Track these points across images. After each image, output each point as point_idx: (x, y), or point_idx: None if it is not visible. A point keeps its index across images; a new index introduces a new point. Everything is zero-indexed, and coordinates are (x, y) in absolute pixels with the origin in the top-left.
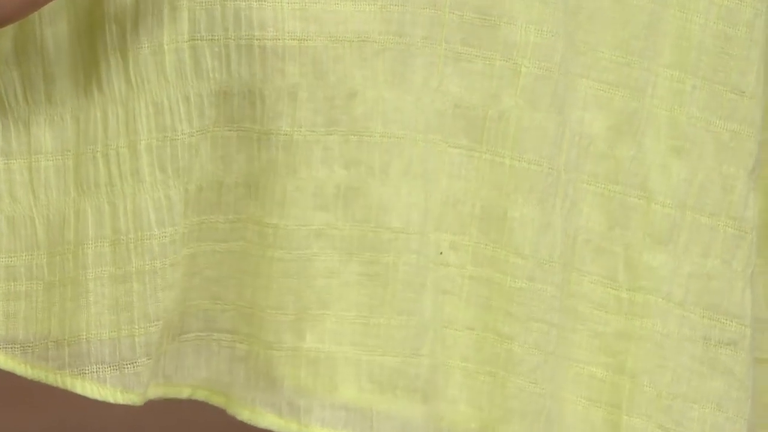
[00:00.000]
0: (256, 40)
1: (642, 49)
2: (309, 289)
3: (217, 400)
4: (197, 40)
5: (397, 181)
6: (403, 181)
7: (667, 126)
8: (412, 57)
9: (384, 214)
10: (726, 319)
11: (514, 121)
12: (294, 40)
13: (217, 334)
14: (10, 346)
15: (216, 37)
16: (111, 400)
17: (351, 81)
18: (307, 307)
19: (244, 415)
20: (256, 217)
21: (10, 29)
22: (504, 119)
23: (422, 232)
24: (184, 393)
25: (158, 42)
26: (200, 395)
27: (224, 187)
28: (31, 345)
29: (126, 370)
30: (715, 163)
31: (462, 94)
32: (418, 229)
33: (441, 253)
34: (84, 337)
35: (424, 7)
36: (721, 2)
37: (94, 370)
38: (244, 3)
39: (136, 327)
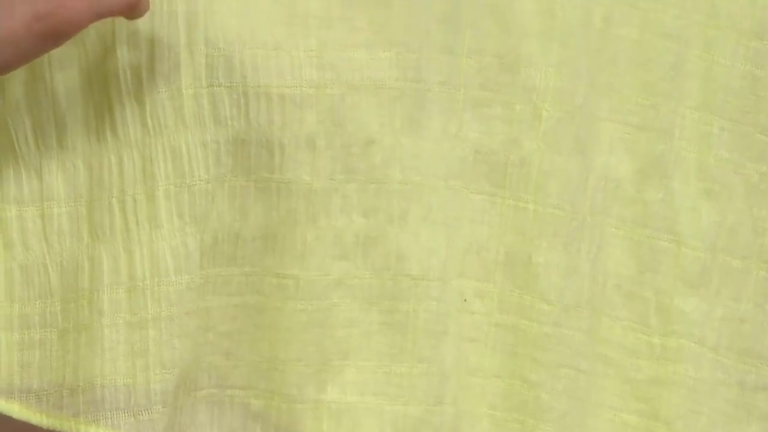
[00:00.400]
0: (275, 87)
1: (667, 91)
2: (329, 340)
3: None
4: (216, 86)
5: (416, 228)
6: (422, 228)
7: (695, 168)
8: (429, 103)
9: (403, 261)
10: (761, 364)
11: (536, 166)
12: (311, 88)
13: (230, 390)
14: (25, 395)
15: (234, 84)
16: None
17: (368, 128)
18: (328, 358)
19: None
20: (274, 269)
21: (20, 75)
22: (526, 164)
23: (443, 278)
24: None
25: (176, 87)
26: None
27: (241, 239)
28: (46, 393)
29: (141, 417)
30: (745, 205)
31: (482, 140)
32: (438, 275)
33: (465, 300)
34: (99, 383)
35: (441, 52)
36: (748, 43)
37: (109, 416)
38: (261, 51)
39: (152, 374)
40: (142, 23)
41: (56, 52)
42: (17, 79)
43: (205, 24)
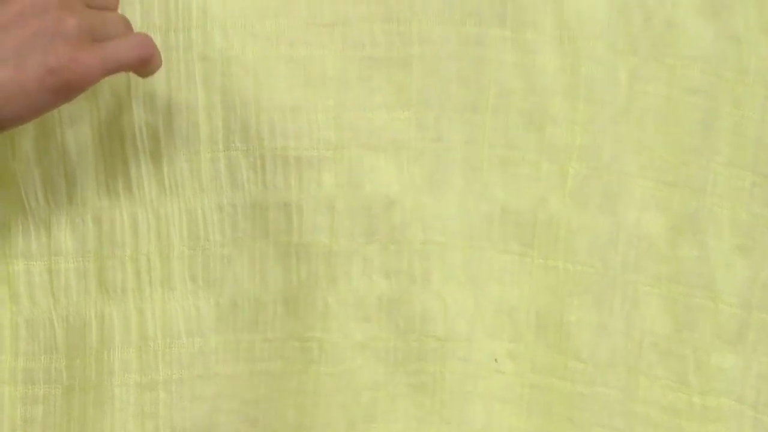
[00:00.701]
0: (292, 150)
1: (697, 147)
2: (355, 404)
3: None
4: (233, 150)
5: (440, 288)
6: (446, 288)
7: (729, 224)
8: (452, 162)
9: (428, 322)
10: None
11: (564, 224)
12: (329, 149)
13: None
14: None
15: (251, 148)
16: None
17: (388, 189)
18: (355, 422)
19: None
20: (296, 333)
21: (31, 129)
22: (554, 222)
23: (470, 339)
24: None
25: (194, 150)
26: None
27: (261, 304)
28: None
29: None
30: None
31: (509, 199)
32: (465, 336)
33: (496, 360)
34: None
35: (464, 111)
36: None
37: None
38: (278, 113)
39: None
40: (158, 83)
41: (67, 107)
42: (28, 132)
43: (222, 86)
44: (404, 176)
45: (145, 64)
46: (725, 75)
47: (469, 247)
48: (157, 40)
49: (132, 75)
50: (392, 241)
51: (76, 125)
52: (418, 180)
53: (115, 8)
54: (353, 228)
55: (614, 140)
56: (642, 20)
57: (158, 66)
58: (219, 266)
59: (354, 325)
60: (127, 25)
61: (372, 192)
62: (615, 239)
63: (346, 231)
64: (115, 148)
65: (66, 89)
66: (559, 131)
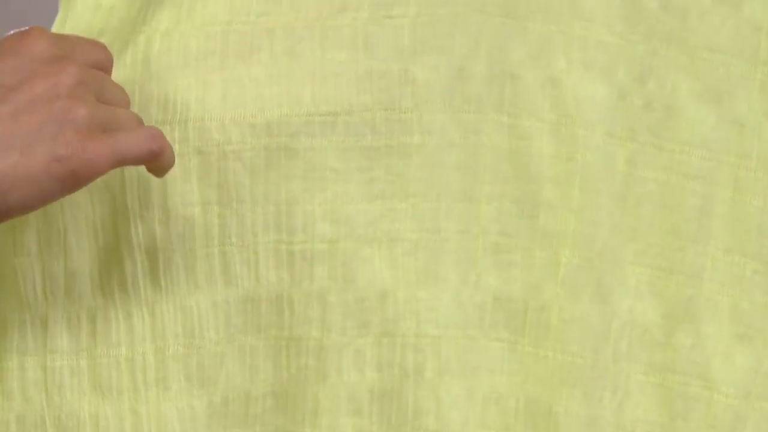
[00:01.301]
0: (284, 244)
1: (694, 233)
2: None
3: None
4: (227, 245)
5: (433, 381)
6: (439, 381)
7: (728, 313)
8: (447, 253)
9: (421, 416)
10: None
11: (556, 313)
12: (324, 243)
13: None
14: None
15: (246, 243)
16: None
17: (381, 282)
18: None
19: None
20: (286, 428)
21: (34, 221)
22: (546, 311)
23: (462, 431)
24: None
25: (190, 246)
26: None
27: (251, 399)
28: None
29: None
30: None
31: (501, 287)
32: (458, 429)
33: None
34: None
35: (460, 200)
36: None
37: None
38: (273, 207)
39: None
40: (153, 178)
41: (70, 202)
42: (31, 227)
43: (218, 182)
44: (398, 269)
45: (156, 157)
46: (726, 160)
47: (462, 338)
48: None
49: (127, 170)
50: (385, 334)
51: (78, 220)
52: (412, 272)
53: (126, 106)
54: (345, 321)
55: (609, 228)
56: (641, 105)
57: (171, 163)
58: (213, 364)
59: (345, 420)
60: (139, 121)
61: (365, 285)
62: (607, 328)
63: (338, 324)
64: (110, 244)
65: (73, 178)
66: (553, 219)
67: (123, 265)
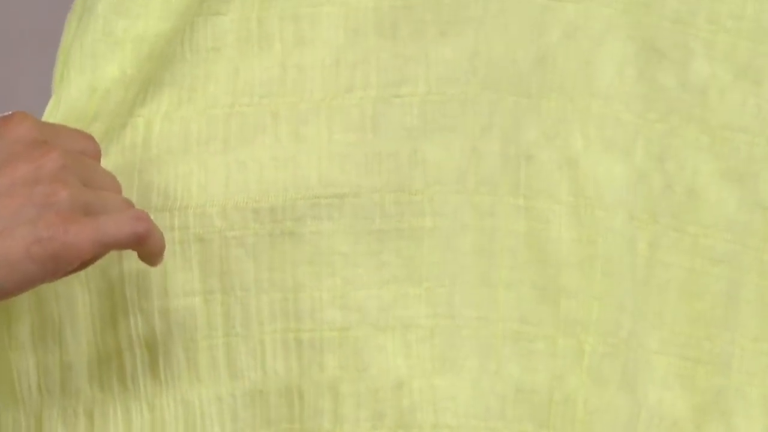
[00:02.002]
0: (292, 333)
1: (722, 320)
2: None
3: None
4: (232, 336)
5: None
6: None
7: (759, 403)
8: (464, 340)
9: None
10: None
11: (581, 404)
12: (334, 330)
13: None
14: None
15: (251, 333)
16: None
17: (396, 371)
18: None
19: None
20: None
21: (28, 317)
22: (571, 402)
23: None
24: None
25: (191, 337)
26: None
27: None
28: None
29: None
30: None
31: (524, 377)
32: None
33: None
34: None
35: (476, 285)
36: None
37: None
38: (279, 294)
39: None
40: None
41: (64, 293)
42: (25, 320)
43: (220, 270)
44: (413, 357)
45: (142, 241)
46: (751, 243)
47: (484, 429)
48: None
49: (125, 259)
50: (401, 426)
51: (74, 312)
52: (428, 360)
53: (116, 191)
54: (359, 412)
55: (633, 314)
56: (662, 187)
57: (159, 247)
58: None
59: None
60: (128, 205)
61: (378, 374)
62: (635, 420)
63: (351, 416)
64: (108, 336)
65: (54, 261)
66: (575, 305)
67: (121, 358)
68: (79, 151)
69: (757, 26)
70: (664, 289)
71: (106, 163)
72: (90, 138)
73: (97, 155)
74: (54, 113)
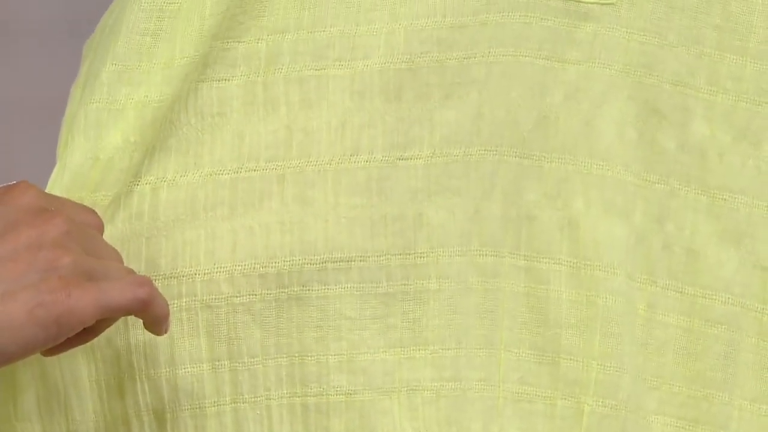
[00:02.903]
0: (298, 397)
1: (721, 381)
2: None
3: None
4: (239, 402)
5: None
6: None
7: None
8: (470, 402)
9: None
10: None
11: None
12: (340, 394)
13: None
14: None
15: (258, 399)
16: None
17: None
18: None
19: None
20: None
21: (33, 387)
22: None
23: None
24: None
25: (199, 404)
26: None
27: None
28: None
29: None
30: None
31: None
32: None
33: None
34: None
35: (480, 347)
36: None
37: None
38: (286, 359)
39: None
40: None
41: (69, 363)
42: (31, 390)
43: (228, 336)
44: (419, 419)
45: (145, 306)
46: (750, 305)
47: None
48: (163, 291)
49: (132, 328)
50: None
51: (77, 381)
52: (434, 423)
53: (117, 261)
54: None
55: (632, 375)
56: (661, 248)
57: (163, 314)
58: None
59: None
60: (130, 273)
61: None
62: None
63: None
64: (115, 404)
65: (57, 325)
66: (574, 366)
67: (129, 426)
68: (82, 222)
69: (757, 87)
70: (662, 350)
71: (114, 231)
72: (92, 211)
73: (99, 228)
74: (59, 180)
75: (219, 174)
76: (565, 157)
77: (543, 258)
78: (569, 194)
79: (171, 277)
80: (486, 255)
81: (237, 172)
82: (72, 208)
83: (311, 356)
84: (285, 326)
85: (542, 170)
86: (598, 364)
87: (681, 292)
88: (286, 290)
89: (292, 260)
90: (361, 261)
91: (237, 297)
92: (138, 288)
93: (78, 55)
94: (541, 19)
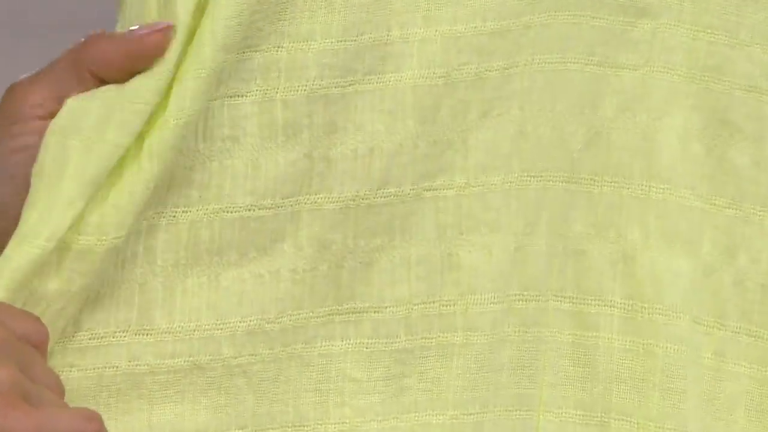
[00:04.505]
0: None
1: None
2: None
3: None
4: None
5: None
6: None
7: None
8: None
9: None
10: None
11: None
12: None
13: None
14: None
15: None
16: None
17: None
18: None
19: None
20: None
21: None
22: None
23: None
24: None
25: None
26: None
27: None
28: None
29: None
30: None
31: None
32: None
33: None
34: None
35: (512, 409)
36: None
37: None
38: (279, 431)
39: None
40: None
41: None
42: None
43: (215, 404)
44: None
45: None
46: None
47: None
48: (154, 348)
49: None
50: None
51: None
52: None
53: (58, 392)
54: None
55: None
56: (732, 284)
57: None
58: None
59: None
60: (67, 405)
61: None
62: None
63: None
64: None
65: None
66: (628, 428)
67: None
68: (22, 335)
69: None
70: (732, 406)
71: (101, 279)
72: (37, 320)
73: (42, 341)
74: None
75: (227, 211)
76: (619, 180)
77: (592, 300)
78: (624, 224)
79: (166, 332)
80: (528, 300)
81: (249, 210)
82: (13, 317)
83: (307, 426)
84: (282, 390)
85: (592, 196)
86: (656, 426)
87: (755, 336)
88: (287, 348)
89: (299, 315)
90: (375, 312)
91: (235, 359)
92: (86, 424)
93: None
94: (592, 17)
